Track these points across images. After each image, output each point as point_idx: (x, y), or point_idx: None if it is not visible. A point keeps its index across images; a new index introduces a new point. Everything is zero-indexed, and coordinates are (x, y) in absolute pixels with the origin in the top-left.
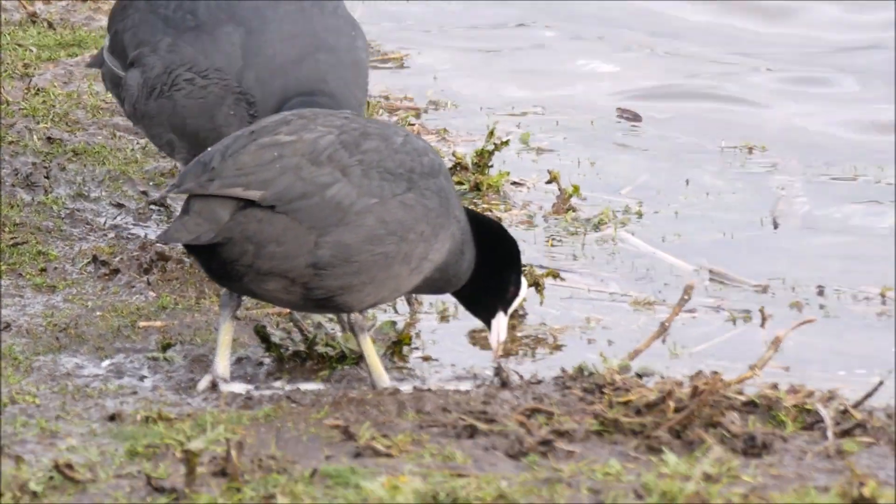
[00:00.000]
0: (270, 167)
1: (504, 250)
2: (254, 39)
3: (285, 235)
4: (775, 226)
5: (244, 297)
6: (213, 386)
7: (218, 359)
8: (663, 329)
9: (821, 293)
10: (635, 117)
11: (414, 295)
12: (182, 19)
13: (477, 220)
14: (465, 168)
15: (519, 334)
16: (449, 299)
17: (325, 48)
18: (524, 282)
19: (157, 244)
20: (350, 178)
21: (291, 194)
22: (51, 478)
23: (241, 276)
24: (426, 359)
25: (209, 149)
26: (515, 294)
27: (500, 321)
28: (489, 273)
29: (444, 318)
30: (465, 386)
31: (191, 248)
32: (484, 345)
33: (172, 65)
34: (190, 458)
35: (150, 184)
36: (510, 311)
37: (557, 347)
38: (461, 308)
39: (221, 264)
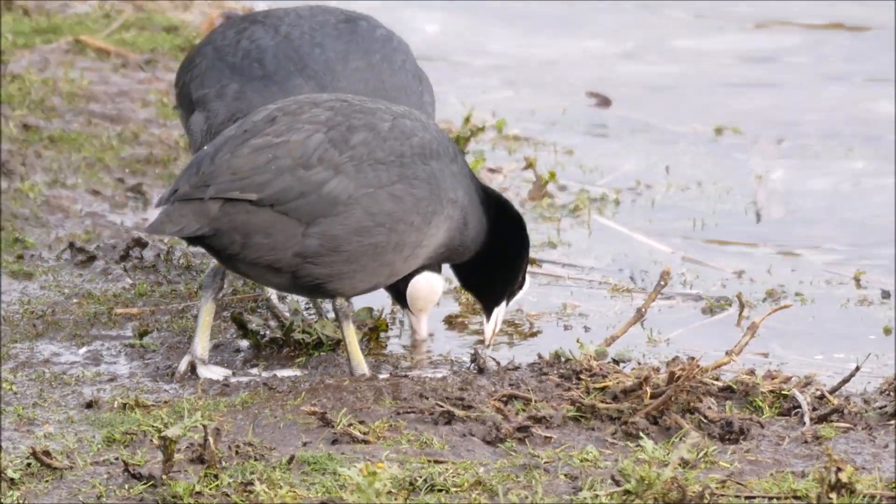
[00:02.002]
0: (266, 169)
1: (521, 234)
2: None
3: (273, 227)
4: (758, 218)
5: (226, 281)
6: (192, 368)
7: (197, 339)
8: (640, 315)
9: (794, 272)
10: (605, 101)
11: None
12: (249, 67)
13: (491, 197)
14: None
15: None
16: None
17: (392, 101)
18: (528, 278)
19: (134, 231)
20: (345, 174)
21: (290, 195)
22: (28, 465)
23: (228, 262)
24: (404, 344)
25: (204, 148)
26: (521, 287)
27: (501, 310)
28: (502, 257)
29: None
30: (441, 372)
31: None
32: (461, 330)
33: (239, 113)
34: (167, 445)
35: (127, 171)
36: (512, 303)
37: (534, 334)
38: (441, 293)
39: (212, 252)
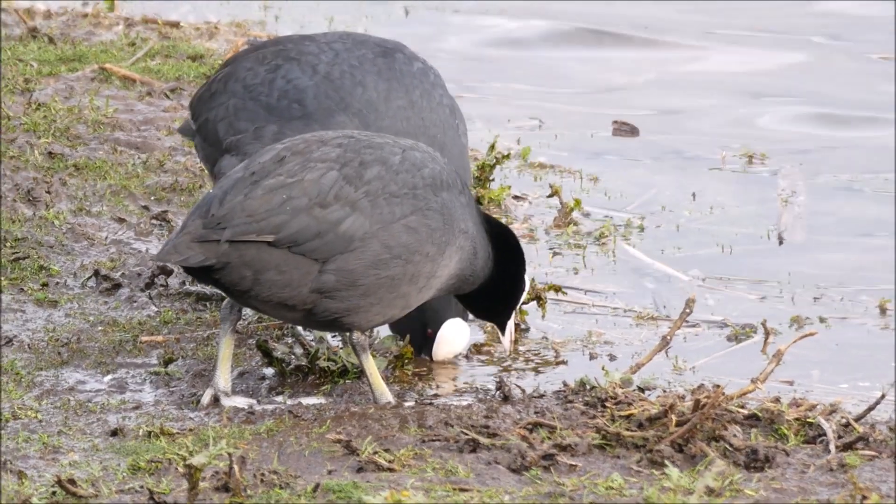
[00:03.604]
0: (281, 210)
1: (514, 249)
2: None
3: (287, 264)
4: (780, 241)
5: (244, 312)
6: (216, 400)
7: (219, 373)
8: (665, 343)
9: (817, 300)
10: (632, 130)
11: None
12: (287, 108)
13: (493, 225)
14: None
15: (521, 348)
16: None
17: (437, 145)
18: (527, 280)
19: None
20: (361, 211)
21: (307, 235)
22: (53, 493)
23: (239, 298)
24: (430, 372)
25: (211, 190)
26: (522, 292)
27: (510, 323)
28: (505, 279)
29: None
30: (467, 400)
31: (187, 268)
32: (488, 359)
33: None
34: (192, 473)
35: (152, 199)
36: (516, 310)
37: (559, 362)
38: (467, 321)
39: (221, 287)
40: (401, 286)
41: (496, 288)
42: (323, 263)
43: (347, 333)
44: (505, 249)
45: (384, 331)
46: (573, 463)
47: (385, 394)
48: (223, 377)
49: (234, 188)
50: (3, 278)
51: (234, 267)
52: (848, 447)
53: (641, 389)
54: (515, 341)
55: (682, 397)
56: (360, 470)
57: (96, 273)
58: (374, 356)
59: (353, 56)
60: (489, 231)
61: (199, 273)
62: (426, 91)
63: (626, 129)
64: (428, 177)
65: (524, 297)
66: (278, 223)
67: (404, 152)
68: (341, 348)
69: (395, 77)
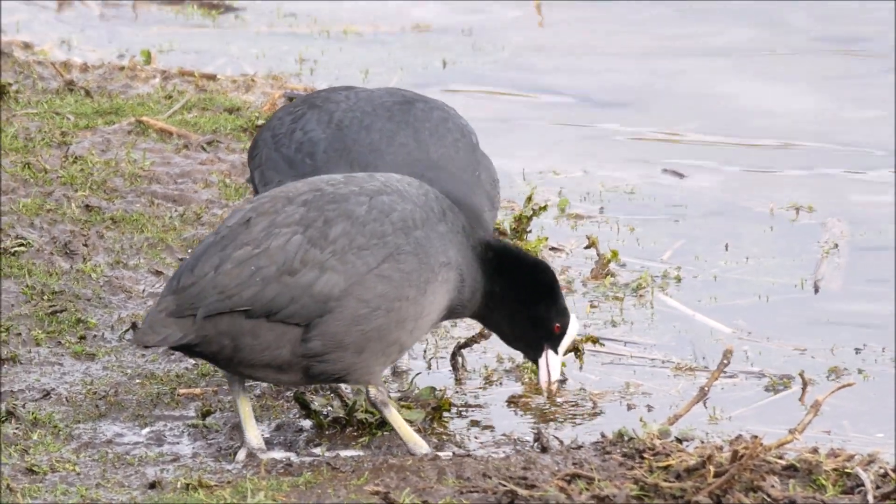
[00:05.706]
0: (251, 282)
1: (537, 281)
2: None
3: (259, 328)
4: (816, 290)
5: None
6: (251, 456)
7: (247, 431)
8: (703, 394)
9: (858, 352)
10: (678, 175)
11: (460, 362)
12: (301, 162)
13: (497, 250)
14: (504, 234)
15: (559, 399)
16: (490, 363)
17: (443, 173)
18: (573, 317)
19: None
20: (332, 270)
21: (281, 302)
22: None
23: (226, 366)
24: (468, 424)
25: (186, 259)
26: (563, 330)
27: (551, 360)
28: (523, 306)
29: (486, 383)
30: (505, 451)
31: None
32: (526, 410)
33: None
34: None
35: (189, 251)
36: (562, 349)
37: (597, 413)
38: (503, 373)
39: (205, 358)
40: (390, 334)
41: (514, 315)
42: (305, 329)
43: (365, 393)
44: (512, 272)
45: (423, 382)
46: None
47: (418, 444)
48: (252, 434)
49: (204, 255)
50: (41, 331)
51: (212, 338)
52: (886, 497)
53: (679, 440)
54: (556, 390)
55: (720, 448)
56: None
57: (134, 326)
58: (411, 408)
59: (372, 104)
60: (482, 255)
61: (180, 349)
62: (436, 131)
63: (673, 174)
64: (398, 220)
65: (568, 338)
66: (250, 296)
67: (371, 200)
68: None
69: (405, 121)
